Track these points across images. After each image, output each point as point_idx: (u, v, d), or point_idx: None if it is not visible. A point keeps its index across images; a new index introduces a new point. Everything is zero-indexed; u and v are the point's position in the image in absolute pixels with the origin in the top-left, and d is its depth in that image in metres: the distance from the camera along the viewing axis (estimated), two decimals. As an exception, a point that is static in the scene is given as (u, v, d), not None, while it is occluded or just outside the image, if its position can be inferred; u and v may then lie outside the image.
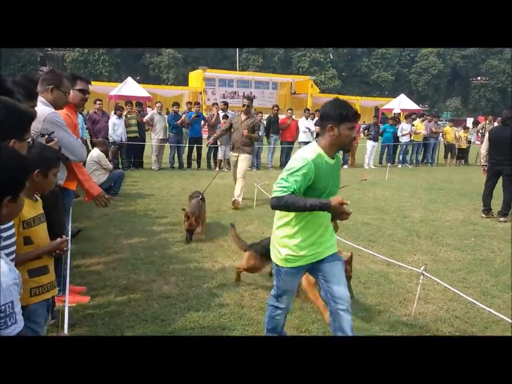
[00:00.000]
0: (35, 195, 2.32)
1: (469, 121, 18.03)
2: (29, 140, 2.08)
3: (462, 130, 16.62)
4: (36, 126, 3.22)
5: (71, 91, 3.73)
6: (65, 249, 2.35)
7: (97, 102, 10.89)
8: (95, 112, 10.83)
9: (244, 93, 30.54)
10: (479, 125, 17.52)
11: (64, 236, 2.37)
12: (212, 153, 12.70)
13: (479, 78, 59.26)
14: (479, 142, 16.61)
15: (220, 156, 12.47)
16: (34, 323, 2.29)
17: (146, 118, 11.99)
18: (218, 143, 12.22)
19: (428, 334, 3.47)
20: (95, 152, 7.99)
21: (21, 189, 1.53)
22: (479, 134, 16.91)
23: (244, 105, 7.64)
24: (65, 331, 2.29)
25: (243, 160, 7.69)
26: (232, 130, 7.84)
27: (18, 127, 1.93)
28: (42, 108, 3.23)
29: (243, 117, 7.69)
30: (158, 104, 12.41)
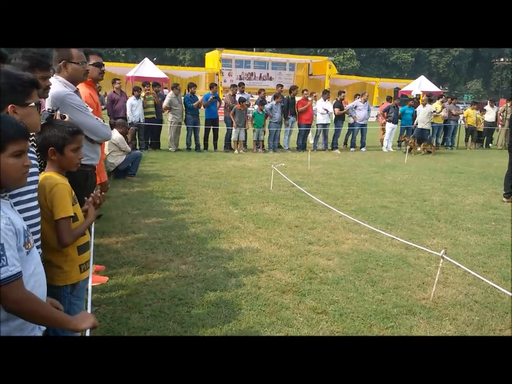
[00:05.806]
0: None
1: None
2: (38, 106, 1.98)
3: (479, 112, 16.20)
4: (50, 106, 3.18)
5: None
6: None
7: (117, 81, 10.90)
8: (114, 91, 10.83)
9: (260, 74, 30.27)
10: (501, 107, 17.06)
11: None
12: (228, 134, 12.57)
13: (501, 59, 57.57)
14: (501, 126, 16.23)
15: (233, 137, 12.29)
16: (81, 300, 2.34)
17: (165, 104, 11.81)
18: (234, 124, 12.11)
19: (446, 319, 3.43)
20: (114, 134, 7.99)
21: (5, 143, 1.49)
22: (501, 117, 16.47)
23: None
24: (89, 310, 2.30)
25: None
26: None
27: (16, 91, 1.84)
28: (58, 89, 3.12)
29: None
30: (178, 87, 12.17)
